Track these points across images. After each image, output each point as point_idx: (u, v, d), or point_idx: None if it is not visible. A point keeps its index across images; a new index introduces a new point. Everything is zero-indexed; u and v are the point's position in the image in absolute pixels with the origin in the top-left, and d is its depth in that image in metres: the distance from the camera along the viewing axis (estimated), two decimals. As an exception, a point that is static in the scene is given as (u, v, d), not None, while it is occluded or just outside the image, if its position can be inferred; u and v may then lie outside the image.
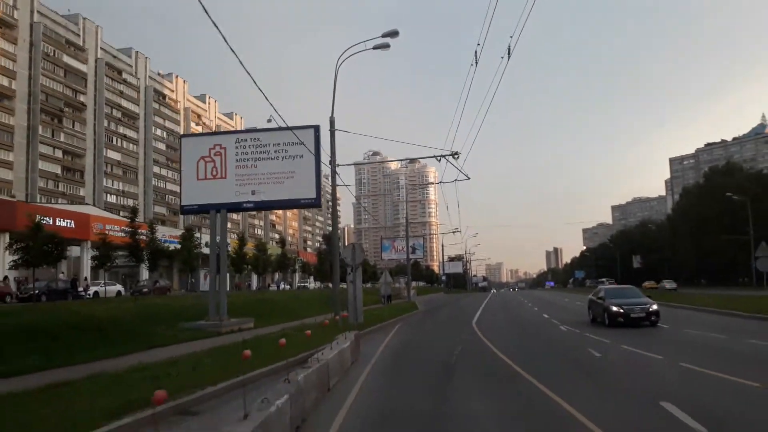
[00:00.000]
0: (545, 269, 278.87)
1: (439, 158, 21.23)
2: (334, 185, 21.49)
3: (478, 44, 13.43)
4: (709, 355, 10.95)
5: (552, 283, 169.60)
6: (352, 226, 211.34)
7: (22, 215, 28.23)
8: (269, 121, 17.13)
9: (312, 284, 74.15)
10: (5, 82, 59.34)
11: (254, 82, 12.19)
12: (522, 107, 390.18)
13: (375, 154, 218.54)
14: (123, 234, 43.22)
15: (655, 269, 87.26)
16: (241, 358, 6.62)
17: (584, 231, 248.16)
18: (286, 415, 5.17)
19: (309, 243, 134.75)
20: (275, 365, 9.77)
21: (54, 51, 65.37)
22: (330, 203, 25.03)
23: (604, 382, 8.58)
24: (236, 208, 18.90)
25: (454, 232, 63.34)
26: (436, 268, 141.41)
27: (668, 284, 58.48)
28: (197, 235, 43.61)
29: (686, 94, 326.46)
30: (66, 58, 66.92)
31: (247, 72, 11.37)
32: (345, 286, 21.76)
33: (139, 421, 5.74)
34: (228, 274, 39.67)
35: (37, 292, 26.40)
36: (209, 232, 19.30)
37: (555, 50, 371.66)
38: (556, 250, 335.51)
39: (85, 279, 39.28)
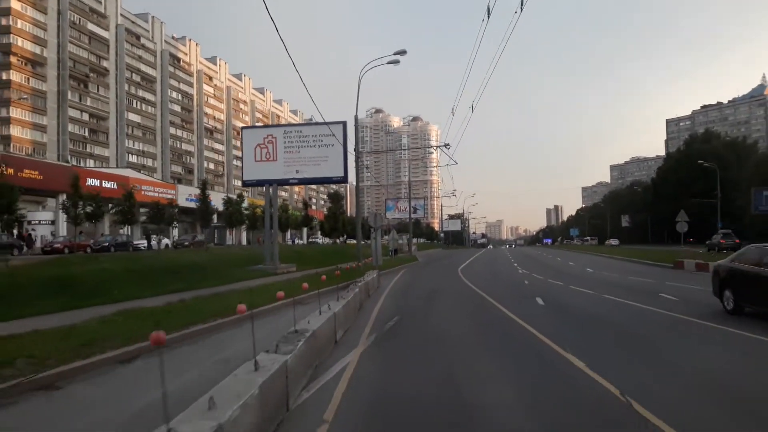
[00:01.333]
0: (545, 226, 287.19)
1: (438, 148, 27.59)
2: (358, 171, 27.92)
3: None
4: (593, 283, 17.88)
5: (549, 240, 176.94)
6: (354, 182, 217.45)
7: (69, 177, 32.39)
8: (311, 118, 23.56)
9: (321, 239, 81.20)
10: (38, 50, 64.79)
11: (301, 80, 18.54)
12: (531, 62, 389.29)
13: (378, 111, 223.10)
14: (156, 194, 50.00)
15: (642, 228, 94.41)
16: (302, 287, 8.50)
17: (583, 189, 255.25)
18: (352, 306, 11.94)
19: (313, 201, 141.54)
20: (325, 289, 16.61)
21: (79, 19, 70.37)
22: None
23: (519, 293, 15.52)
24: (284, 182, 25.52)
25: (451, 194, 70.19)
26: (436, 226, 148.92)
27: (613, 242, 73.46)
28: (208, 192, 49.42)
29: (693, 51, 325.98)
30: (90, 26, 71.96)
31: (296, 69, 17.72)
32: (354, 242, 28.66)
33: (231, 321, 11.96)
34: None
35: (107, 244, 33.38)
36: (264, 200, 26.01)
37: (564, 5, 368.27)
38: (556, 207, 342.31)
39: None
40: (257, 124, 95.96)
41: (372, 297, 15.37)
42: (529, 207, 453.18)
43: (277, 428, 4.43)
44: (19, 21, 62.88)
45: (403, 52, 24.22)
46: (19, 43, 62.88)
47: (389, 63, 24.36)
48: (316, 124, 23.79)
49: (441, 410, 4.89)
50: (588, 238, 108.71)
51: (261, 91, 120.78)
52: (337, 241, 67.28)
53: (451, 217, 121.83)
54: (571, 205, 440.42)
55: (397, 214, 72.27)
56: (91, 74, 72.37)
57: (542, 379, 5.89)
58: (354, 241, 44.52)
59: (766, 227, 49.92)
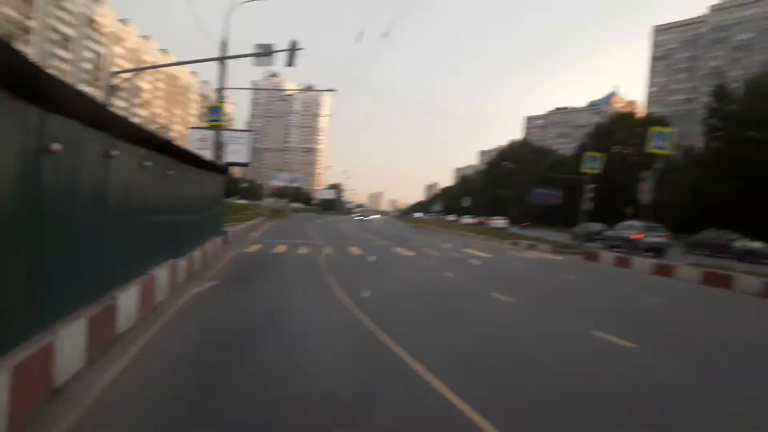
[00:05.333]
0: (423, 200, 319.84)
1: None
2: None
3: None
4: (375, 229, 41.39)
5: (421, 214, 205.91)
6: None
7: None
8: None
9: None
10: (-25, 10, 76.88)
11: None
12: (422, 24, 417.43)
13: (273, 75, 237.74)
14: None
15: (480, 208, 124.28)
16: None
17: (456, 170, 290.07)
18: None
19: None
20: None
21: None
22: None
23: (336, 231, 38.45)
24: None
25: (326, 168, 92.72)
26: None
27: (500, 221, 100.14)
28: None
29: (571, 50, 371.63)
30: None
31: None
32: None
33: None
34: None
35: None
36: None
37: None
38: (434, 184, 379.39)
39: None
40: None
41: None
42: (411, 182, 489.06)
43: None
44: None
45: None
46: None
47: None
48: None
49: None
50: (435, 211, 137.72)
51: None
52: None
53: (332, 186, 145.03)
54: (447, 182, 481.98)
55: (281, 182, 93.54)
56: (18, 32, 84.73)
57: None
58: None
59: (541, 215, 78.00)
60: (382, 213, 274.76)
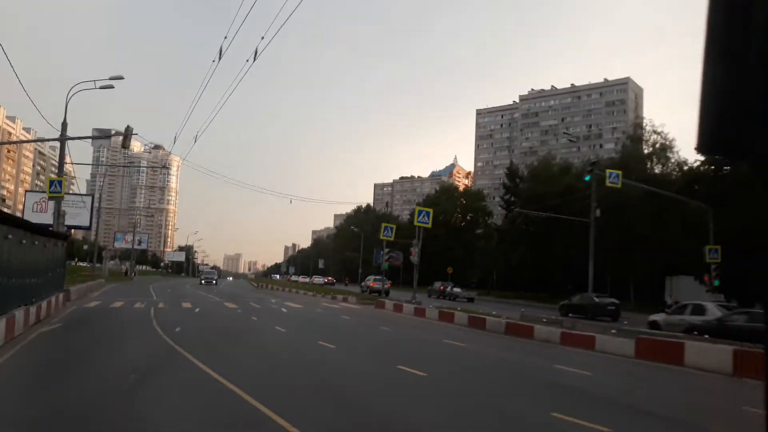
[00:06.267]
0: (281, 261, 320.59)
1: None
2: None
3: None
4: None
5: (277, 276, 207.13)
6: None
7: None
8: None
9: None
10: None
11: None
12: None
13: (117, 133, 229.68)
14: None
15: (334, 269, 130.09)
16: None
17: (313, 232, 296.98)
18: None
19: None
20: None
21: None
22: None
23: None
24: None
25: (176, 229, 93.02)
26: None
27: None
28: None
29: (420, 123, 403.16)
30: None
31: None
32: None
33: None
34: None
35: None
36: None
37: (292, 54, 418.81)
38: (294, 245, 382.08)
39: None
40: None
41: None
42: (269, 244, 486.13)
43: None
44: None
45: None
46: None
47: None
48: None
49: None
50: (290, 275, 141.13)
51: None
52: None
53: (181, 248, 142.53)
54: (307, 244, 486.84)
55: (125, 244, 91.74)
56: None
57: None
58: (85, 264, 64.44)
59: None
60: (238, 276, 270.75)
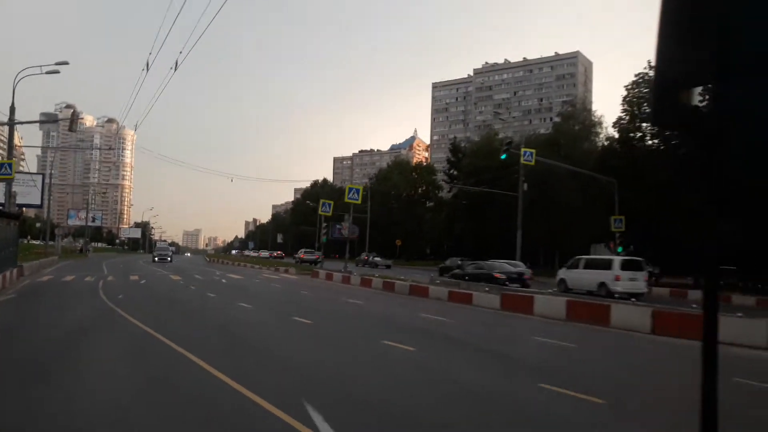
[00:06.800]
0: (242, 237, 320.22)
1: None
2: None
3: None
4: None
5: (236, 251, 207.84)
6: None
7: None
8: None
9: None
10: None
11: None
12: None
13: (68, 107, 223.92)
14: None
15: (293, 243, 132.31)
16: None
17: (274, 207, 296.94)
18: None
19: None
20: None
21: None
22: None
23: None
24: None
25: (131, 206, 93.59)
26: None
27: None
28: None
29: (380, 95, 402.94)
30: None
31: None
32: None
33: None
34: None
35: None
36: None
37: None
38: (255, 220, 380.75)
39: None
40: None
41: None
42: (231, 219, 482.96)
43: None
44: None
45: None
46: None
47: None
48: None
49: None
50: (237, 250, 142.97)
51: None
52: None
53: (137, 225, 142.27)
54: (267, 219, 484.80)
55: (78, 221, 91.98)
56: None
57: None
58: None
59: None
60: (198, 252, 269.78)
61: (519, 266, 34.27)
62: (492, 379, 7.64)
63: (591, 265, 23.60)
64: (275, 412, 5.31)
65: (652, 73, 26.54)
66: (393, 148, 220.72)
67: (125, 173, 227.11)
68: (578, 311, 14.56)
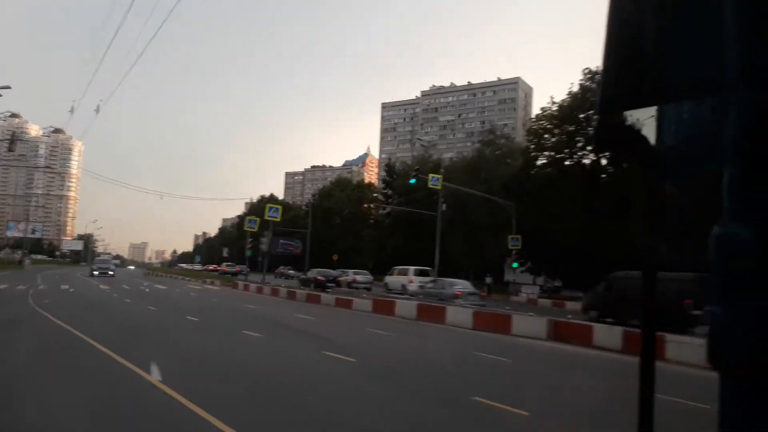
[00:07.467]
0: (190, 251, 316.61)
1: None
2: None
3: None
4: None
5: (182, 265, 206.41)
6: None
7: None
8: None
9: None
10: None
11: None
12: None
13: (13, 115, 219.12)
14: None
15: (239, 257, 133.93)
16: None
17: (224, 220, 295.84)
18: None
19: None
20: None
21: None
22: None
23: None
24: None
25: (73, 218, 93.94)
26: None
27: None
28: None
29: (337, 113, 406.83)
30: None
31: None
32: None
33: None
34: None
35: None
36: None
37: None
38: (204, 234, 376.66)
39: None
40: None
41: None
42: (179, 232, 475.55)
43: None
44: None
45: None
46: None
47: None
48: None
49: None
50: (190, 264, 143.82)
51: None
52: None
53: (81, 237, 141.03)
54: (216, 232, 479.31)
55: (17, 233, 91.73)
56: None
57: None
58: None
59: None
60: (143, 265, 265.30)
61: (368, 276, 38.30)
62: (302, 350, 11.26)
63: (397, 273, 35.89)
64: (130, 367, 8.58)
65: (555, 108, 31.76)
66: (346, 164, 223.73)
67: (71, 184, 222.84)
68: (425, 312, 18.43)
